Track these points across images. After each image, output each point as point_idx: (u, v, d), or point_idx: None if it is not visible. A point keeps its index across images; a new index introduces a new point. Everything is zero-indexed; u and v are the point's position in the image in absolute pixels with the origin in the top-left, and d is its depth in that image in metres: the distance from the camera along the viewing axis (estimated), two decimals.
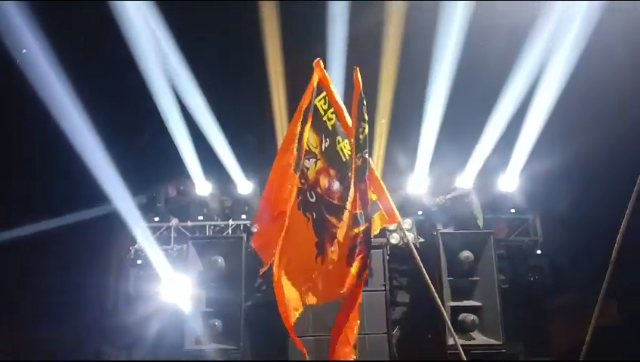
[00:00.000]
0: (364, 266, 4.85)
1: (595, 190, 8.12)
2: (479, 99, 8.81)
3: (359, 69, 4.78)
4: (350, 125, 4.92)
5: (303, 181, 4.77)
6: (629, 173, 4.34)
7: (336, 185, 4.95)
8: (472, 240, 8.21)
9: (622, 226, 4.25)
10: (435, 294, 5.34)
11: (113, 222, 8.77)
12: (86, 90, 8.04)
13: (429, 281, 5.21)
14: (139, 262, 8.84)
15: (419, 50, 8.58)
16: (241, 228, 9.02)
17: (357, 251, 4.83)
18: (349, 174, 4.92)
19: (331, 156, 4.97)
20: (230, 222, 9.09)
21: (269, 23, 8.45)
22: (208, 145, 8.88)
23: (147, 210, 9.14)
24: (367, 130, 4.82)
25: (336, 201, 4.92)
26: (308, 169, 4.84)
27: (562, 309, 8.59)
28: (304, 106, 4.80)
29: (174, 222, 9.04)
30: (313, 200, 4.83)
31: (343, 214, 4.90)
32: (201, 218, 9.17)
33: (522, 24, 7.64)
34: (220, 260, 8.19)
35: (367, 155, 4.81)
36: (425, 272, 5.17)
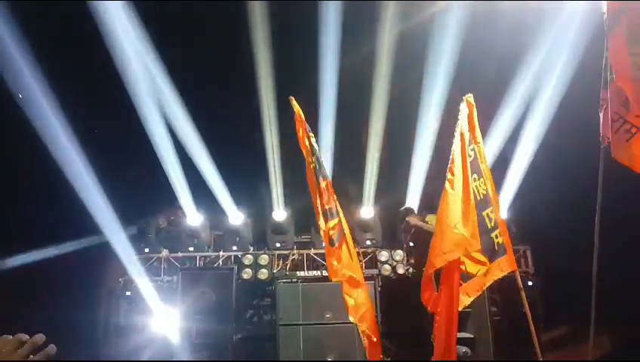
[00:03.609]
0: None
1: (587, 221, 8.12)
2: None
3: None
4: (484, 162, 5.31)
5: None
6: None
7: None
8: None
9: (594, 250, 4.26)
10: None
11: (103, 253, 8.69)
12: (79, 122, 8.07)
13: None
14: (128, 293, 8.74)
15: (409, 81, 8.70)
16: (232, 259, 8.96)
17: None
18: (482, 213, 5.14)
19: None
20: (221, 253, 9.02)
21: (261, 53, 8.54)
22: (200, 176, 8.89)
23: (138, 241, 9.07)
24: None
25: None
26: None
27: (555, 341, 8.52)
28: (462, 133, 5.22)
29: (165, 253, 8.97)
30: None
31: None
32: (191, 249, 9.09)
33: (509, 59, 7.77)
34: (210, 291, 8.12)
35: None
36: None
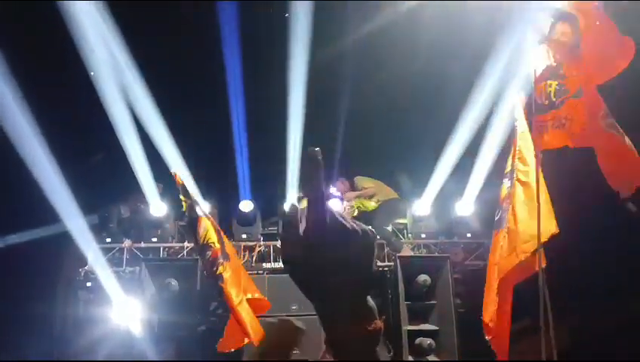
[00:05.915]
0: None
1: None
2: (436, 125, 8.97)
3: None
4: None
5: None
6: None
7: None
8: (429, 264, 8.28)
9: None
10: None
11: (63, 243, 8.44)
12: (38, 105, 7.79)
13: None
14: (89, 284, 8.50)
15: (380, 74, 8.73)
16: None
17: None
18: None
19: None
20: (185, 243, 8.86)
21: (229, 47, 8.45)
22: (164, 164, 8.69)
23: (99, 230, 8.82)
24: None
25: None
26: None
27: (518, 333, 8.65)
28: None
29: (127, 243, 8.76)
30: None
31: None
32: (155, 239, 8.89)
33: (481, 51, 7.82)
34: (174, 283, 8.00)
35: None
36: None
